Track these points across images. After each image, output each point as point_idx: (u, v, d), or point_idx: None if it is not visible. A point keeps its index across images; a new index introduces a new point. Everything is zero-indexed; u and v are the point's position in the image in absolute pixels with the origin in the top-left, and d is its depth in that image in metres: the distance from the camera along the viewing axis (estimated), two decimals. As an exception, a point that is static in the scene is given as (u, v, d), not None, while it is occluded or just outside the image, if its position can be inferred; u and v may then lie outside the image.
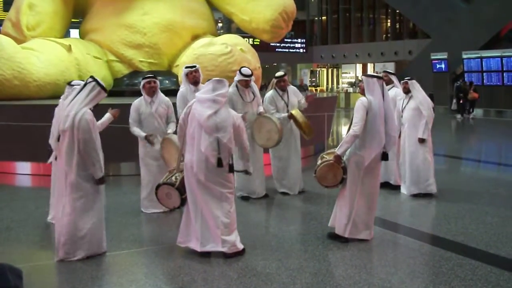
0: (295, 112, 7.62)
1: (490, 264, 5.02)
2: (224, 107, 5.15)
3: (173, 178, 5.46)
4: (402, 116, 7.95)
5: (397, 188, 8.07)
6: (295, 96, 7.97)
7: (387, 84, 8.26)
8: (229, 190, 5.21)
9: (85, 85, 5.21)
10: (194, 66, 7.34)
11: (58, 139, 5.21)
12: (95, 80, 5.21)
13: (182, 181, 5.30)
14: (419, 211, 7.21)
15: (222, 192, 5.14)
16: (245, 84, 7.46)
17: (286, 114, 7.72)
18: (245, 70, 7.47)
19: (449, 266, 4.99)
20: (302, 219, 6.91)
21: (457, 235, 5.96)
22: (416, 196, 7.72)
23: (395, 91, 8.22)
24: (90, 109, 5.13)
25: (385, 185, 8.00)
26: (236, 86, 7.53)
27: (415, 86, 7.91)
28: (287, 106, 7.80)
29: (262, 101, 7.84)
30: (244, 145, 5.37)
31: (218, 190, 5.13)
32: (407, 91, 7.94)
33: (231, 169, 5.18)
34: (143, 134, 6.74)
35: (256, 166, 7.58)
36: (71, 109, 5.08)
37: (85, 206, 5.13)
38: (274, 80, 7.98)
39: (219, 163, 5.05)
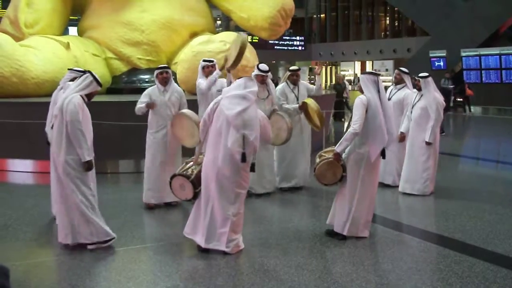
0: (309, 100, 7.66)
1: (487, 261, 5.03)
2: (253, 105, 5.14)
3: (190, 170, 5.42)
4: (411, 112, 7.80)
5: (393, 187, 8.04)
6: (306, 90, 8.07)
7: (398, 83, 8.21)
8: (244, 190, 5.22)
9: (80, 77, 5.43)
10: (212, 61, 7.49)
11: (52, 127, 5.35)
12: (89, 72, 5.42)
13: (198, 174, 5.28)
14: (417, 209, 7.22)
15: (237, 192, 5.14)
16: (261, 79, 7.49)
17: (297, 105, 7.81)
18: (263, 66, 7.59)
19: (447, 263, 5.00)
20: (301, 217, 6.92)
21: (454, 232, 5.97)
22: (409, 194, 7.71)
23: (405, 92, 8.03)
24: (84, 99, 5.28)
25: (381, 185, 7.96)
26: None
27: (427, 85, 7.63)
28: (298, 99, 7.90)
29: None
30: (269, 142, 5.46)
31: (234, 189, 5.12)
32: (419, 88, 7.77)
33: (252, 168, 5.17)
34: (144, 104, 6.87)
35: (267, 162, 7.72)
36: (63, 96, 5.32)
37: (72, 189, 5.22)
38: (288, 73, 8.10)
39: (243, 158, 5.03)
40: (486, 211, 6.87)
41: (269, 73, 7.60)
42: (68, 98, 5.20)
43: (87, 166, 5.23)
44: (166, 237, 5.80)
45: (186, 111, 6.77)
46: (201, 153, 5.44)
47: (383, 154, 5.57)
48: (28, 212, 6.89)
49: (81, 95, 5.27)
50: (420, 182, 7.66)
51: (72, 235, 5.31)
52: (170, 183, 5.53)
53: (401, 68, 8.41)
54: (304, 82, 8.32)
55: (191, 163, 5.54)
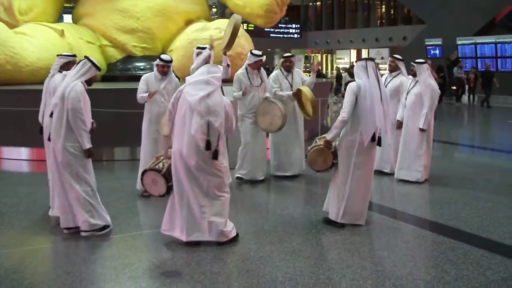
0: (304, 88, 7.65)
1: (481, 248, 5.06)
2: (217, 90, 5.01)
3: (160, 164, 5.26)
4: (406, 99, 7.78)
5: (391, 175, 8.05)
6: (300, 78, 8.04)
7: (393, 71, 8.17)
8: (217, 178, 5.06)
9: (78, 63, 5.41)
10: (206, 47, 7.34)
11: (51, 115, 5.32)
12: (87, 58, 5.42)
13: (169, 168, 5.13)
14: (412, 196, 7.24)
15: (210, 180, 5.01)
16: (255, 66, 7.50)
17: (291, 92, 7.79)
18: (256, 51, 7.55)
19: (441, 249, 5.02)
20: (296, 204, 6.92)
21: (449, 220, 5.99)
22: (405, 181, 7.73)
23: (400, 79, 8.03)
24: (84, 85, 5.28)
25: (379, 172, 7.97)
26: (246, 68, 7.59)
27: (421, 71, 7.58)
28: (291, 86, 7.88)
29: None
30: (231, 132, 5.30)
31: (207, 178, 4.99)
32: (414, 74, 7.73)
33: (215, 155, 4.97)
34: (146, 94, 6.87)
35: (258, 150, 7.68)
36: (63, 84, 5.26)
37: (71, 177, 5.25)
38: (281, 60, 8.08)
39: (208, 146, 4.90)
40: (481, 198, 6.90)
41: (264, 57, 7.58)
42: (70, 86, 5.19)
43: (88, 153, 5.28)
44: (161, 224, 5.78)
45: None
46: (170, 147, 5.21)
47: (379, 141, 5.57)
48: (23, 199, 6.88)
49: (81, 82, 5.26)
50: (414, 169, 7.67)
51: (72, 219, 5.37)
52: (142, 179, 5.33)
53: (395, 55, 8.42)
54: (298, 70, 8.28)
55: (162, 157, 5.38)
